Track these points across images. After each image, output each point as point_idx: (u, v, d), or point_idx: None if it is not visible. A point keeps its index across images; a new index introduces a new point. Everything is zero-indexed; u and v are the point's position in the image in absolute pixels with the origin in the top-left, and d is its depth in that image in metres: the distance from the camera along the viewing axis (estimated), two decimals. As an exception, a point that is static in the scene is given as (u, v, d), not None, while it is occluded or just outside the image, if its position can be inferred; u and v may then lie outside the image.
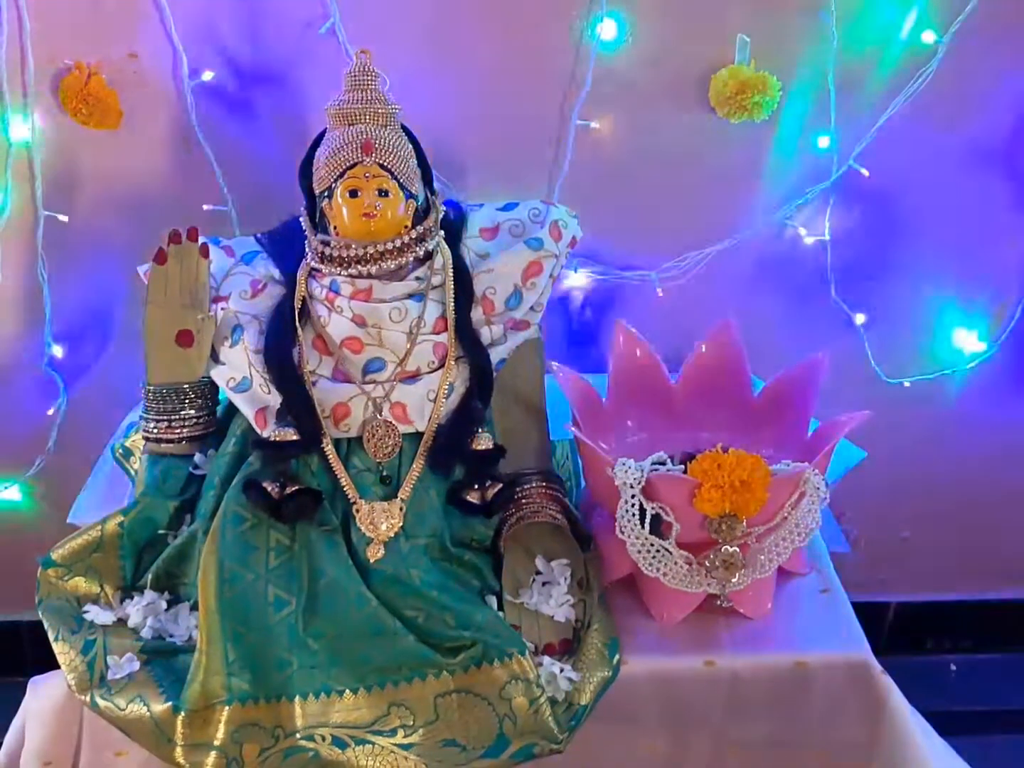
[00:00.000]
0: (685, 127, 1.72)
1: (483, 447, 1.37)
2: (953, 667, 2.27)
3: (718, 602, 1.34)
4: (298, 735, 1.23)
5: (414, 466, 1.36)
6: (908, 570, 2.18)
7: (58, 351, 1.83)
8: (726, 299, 1.83)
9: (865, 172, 1.74)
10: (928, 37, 1.65)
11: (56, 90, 1.63)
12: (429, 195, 1.46)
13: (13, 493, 1.95)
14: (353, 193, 1.38)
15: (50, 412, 1.88)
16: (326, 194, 1.41)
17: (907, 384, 1.94)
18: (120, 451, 1.58)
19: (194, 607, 1.32)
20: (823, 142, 1.73)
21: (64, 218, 1.73)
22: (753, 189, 1.78)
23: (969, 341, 1.91)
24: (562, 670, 1.27)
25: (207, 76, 1.65)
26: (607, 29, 1.63)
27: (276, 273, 1.46)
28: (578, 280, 1.82)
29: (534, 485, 1.41)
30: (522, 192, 1.63)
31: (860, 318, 1.87)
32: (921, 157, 1.76)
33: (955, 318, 1.91)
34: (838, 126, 1.71)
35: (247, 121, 1.69)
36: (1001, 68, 1.70)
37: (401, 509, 1.33)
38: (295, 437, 1.33)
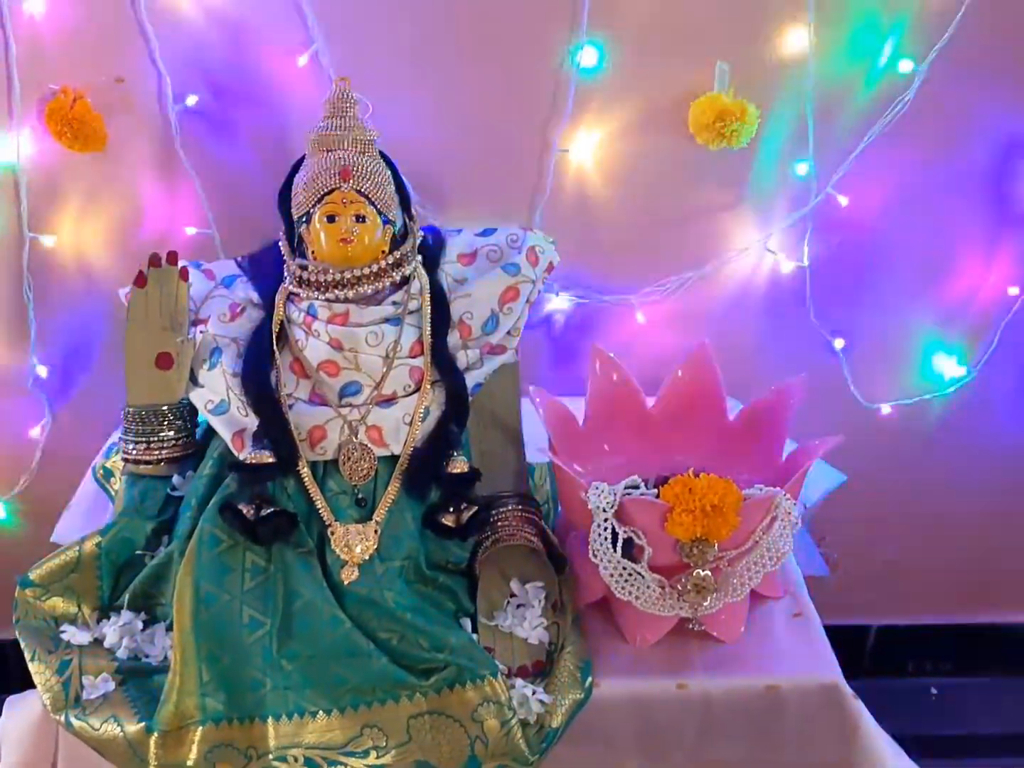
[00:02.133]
0: (664, 154, 1.74)
1: (458, 470, 1.38)
2: (934, 691, 2.26)
3: (690, 625, 1.34)
4: (271, 756, 1.23)
5: (389, 489, 1.37)
6: (889, 593, 2.19)
7: (43, 371, 1.84)
8: (705, 324, 1.85)
9: (843, 200, 1.75)
10: (905, 66, 1.67)
11: (42, 113, 1.64)
12: (407, 220, 1.47)
13: (-3, 513, 1.96)
14: (331, 218, 1.40)
15: (34, 432, 1.89)
16: (304, 219, 1.42)
17: (887, 409, 1.95)
18: (101, 472, 1.59)
19: (170, 628, 1.33)
20: (801, 169, 1.75)
21: (49, 240, 1.75)
22: (732, 215, 1.79)
23: (948, 366, 1.92)
24: (534, 692, 1.28)
25: (191, 100, 1.67)
26: (587, 56, 1.65)
27: (255, 296, 1.47)
28: (558, 303, 1.83)
29: (510, 508, 1.42)
30: (503, 217, 1.64)
31: (839, 343, 1.89)
32: (899, 184, 1.78)
33: (934, 343, 1.92)
34: (816, 154, 1.73)
35: (231, 145, 1.71)
36: (977, 97, 1.72)
37: (376, 532, 1.34)
38: (271, 460, 1.34)
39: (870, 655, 2.25)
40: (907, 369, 1.94)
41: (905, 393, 1.95)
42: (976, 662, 2.27)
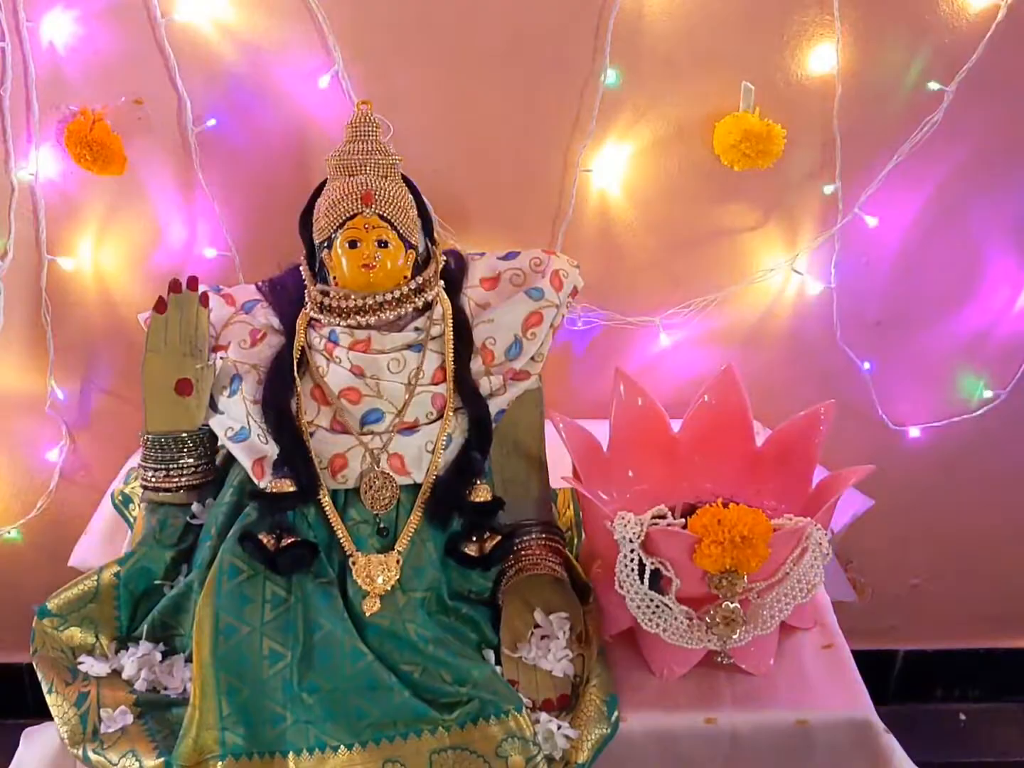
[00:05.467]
0: (689, 174, 1.72)
1: (482, 499, 1.37)
2: (962, 716, 2.24)
3: (719, 658, 1.32)
4: (291, 791, 1.22)
5: (412, 518, 1.35)
6: (917, 618, 2.17)
7: (60, 394, 1.83)
8: (731, 346, 1.83)
9: (871, 220, 1.73)
10: (933, 86, 1.65)
11: (61, 136, 1.63)
12: (429, 245, 1.46)
13: (14, 536, 1.95)
14: (352, 244, 1.38)
15: (52, 455, 1.88)
16: (326, 244, 1.41)
17: (914, 431, 1.93)
18: (119, 498, 1.58)
19: (189, 659, 1.32)
20: (828, 190, 1.73)
21: (67, 263, 1.74)
22: (758, 236, 1.77)
23: (976, 388, 1.90)
24: (560, 727, 1.26)
25: (211, 123, 1.65)
26: (611, 77, 1.63)
27: (275, 322, 1.45)
28: (581, 326, 1.81)
29: (533, 536, 1.41)
30: (525, 239, 1.64)
31: (867, 365, 1.87)
32: (926, 205, 1.76)
33: (962, 365, 1.90)
34: (843, 174, 1.71)
35: (251, 167, 1.69)
36: (1005, 117, 1.70)
37: (398, 562, 1.32)
38: (292, 488, 1.33)
39: (897, 680, 2.22)
40: (935, 391, 1.92)
41: (933, 416, 1.93)
42: (1005, 688, 2.24)
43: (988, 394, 1.91)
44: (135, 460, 1.67)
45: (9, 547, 1.96)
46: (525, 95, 1.66)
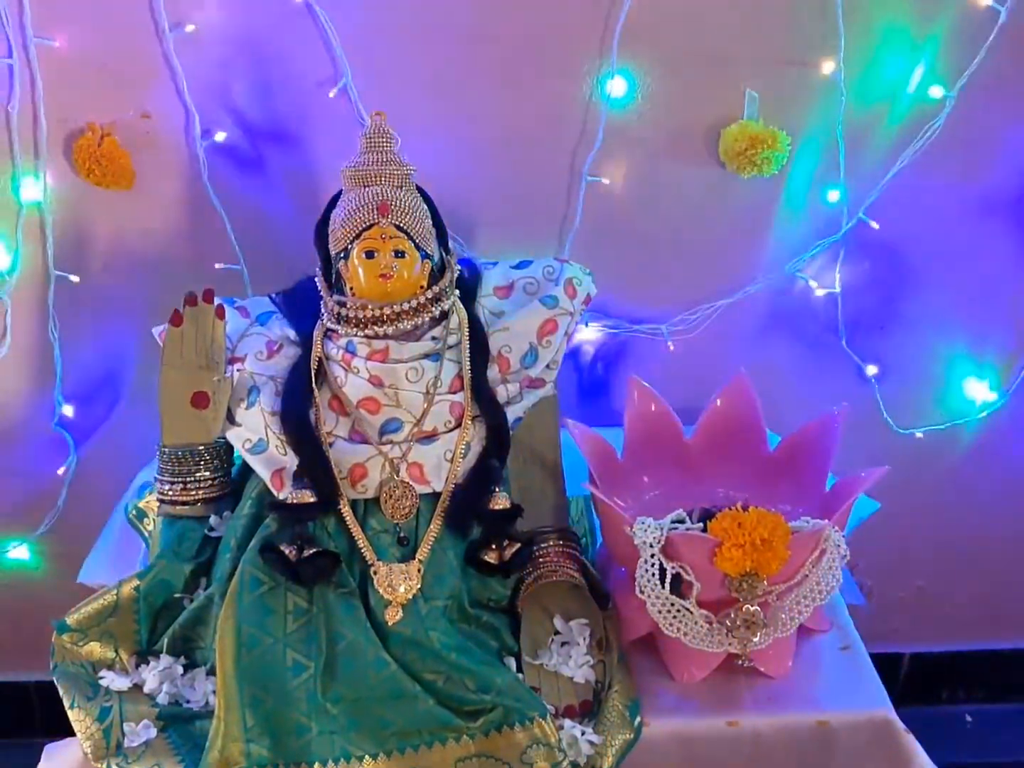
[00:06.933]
0: (695, 182, 1.73)
1: (500, 506, 1.37)
2: (968, 718, 2.24)
3: (739, 661, 1.32)
4: (317, 802, 1.21)
5: (431, 527, 1.35)
6: (922, 620, 2.17)
7: (68, 411, 1.83)
8: (737, 352, 1.83)
9: (875, 225, 1.74)
10: (936, 92, 1.66)
11: (69, 151, 1.63)
12: (444, 255, 1.47)
13: (22, 552, 1.94)
14: (369, 254, 1.39)
15: (60, 471, 1.88)
16: (342, 255, 1.41)
17: (919, 434, 1.94)
18: (134, 512, 1.57)
19: (211, 672, 1.31)
20: (833, 195, 1.74)
21: (75, 278, 1.73)
22: (763, 242, 1.78)
23: (980, 391, 1.91)
24: (583, 733, 1.26)
25: (219, 136, 1.66)
26: (617, 86, 1.64)
27: (291, 334, 1.46)
28: (589, 334, 1.82)
29: (551, 543, 1.40)
30: (533, 248, 1.64)
31: (871, 369, 1.88)
32: (930, 209, 1.77)
33: (966, 368, 1.91)
34: (847, 180, 1.72)
35: (259, 181, 1.70)
36: (1008, 122, 1.71)
37: (419, 570, 1.32)
38: (312, 499, 1.32)
39: (903, 683, 2.22)
40: (939, 395, 1.93)
41: (937, 419, 1.94)
42: (1010, 689, 2.24)
43: (991, 397, 1.91)
44: (145, 476, 1.67)
45: (17, 564, 1.95)
46: (531, 103, 1.66)
